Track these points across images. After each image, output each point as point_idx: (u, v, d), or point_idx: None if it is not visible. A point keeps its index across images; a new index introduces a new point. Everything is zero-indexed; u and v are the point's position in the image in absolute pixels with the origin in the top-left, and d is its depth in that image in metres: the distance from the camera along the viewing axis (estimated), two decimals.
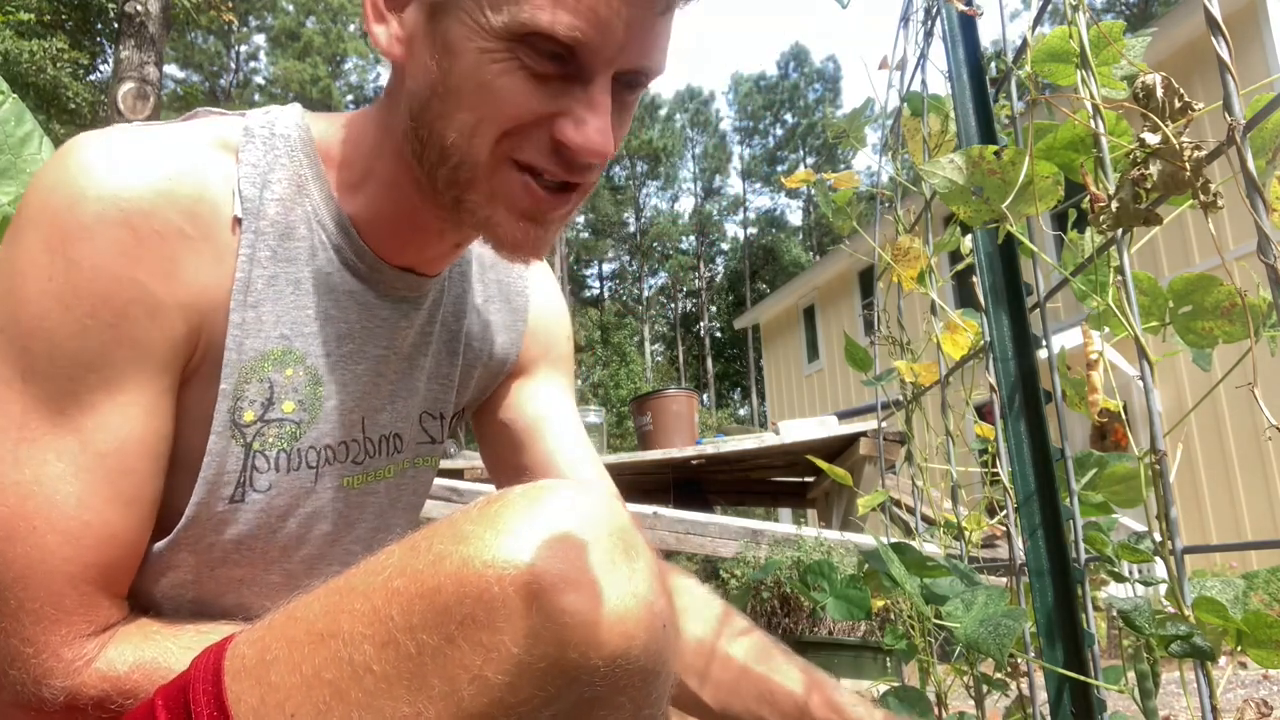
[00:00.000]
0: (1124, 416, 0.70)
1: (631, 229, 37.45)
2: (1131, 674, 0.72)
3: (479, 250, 0.89)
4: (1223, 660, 0.56)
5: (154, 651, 0.63)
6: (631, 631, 0.50)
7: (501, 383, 0.93)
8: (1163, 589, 0.61)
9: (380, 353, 0.76)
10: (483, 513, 0.52)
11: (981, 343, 0.88)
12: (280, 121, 0.72)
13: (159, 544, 0.68)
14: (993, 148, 0.65)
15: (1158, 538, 0.59)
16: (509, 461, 0.91)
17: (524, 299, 0.92)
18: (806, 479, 6.41)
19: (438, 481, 3.82)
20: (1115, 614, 0.58)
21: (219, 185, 0.66)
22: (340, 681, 0.50)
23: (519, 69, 0.62)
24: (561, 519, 0.51)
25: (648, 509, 4.04)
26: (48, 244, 0.60)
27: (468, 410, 0.93)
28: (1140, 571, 0.86)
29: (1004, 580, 0.94)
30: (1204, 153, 0.52)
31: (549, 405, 0.92)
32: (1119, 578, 0.81)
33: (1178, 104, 0.52)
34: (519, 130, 0.64)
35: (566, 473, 0.89)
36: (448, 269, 0.82)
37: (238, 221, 0.67)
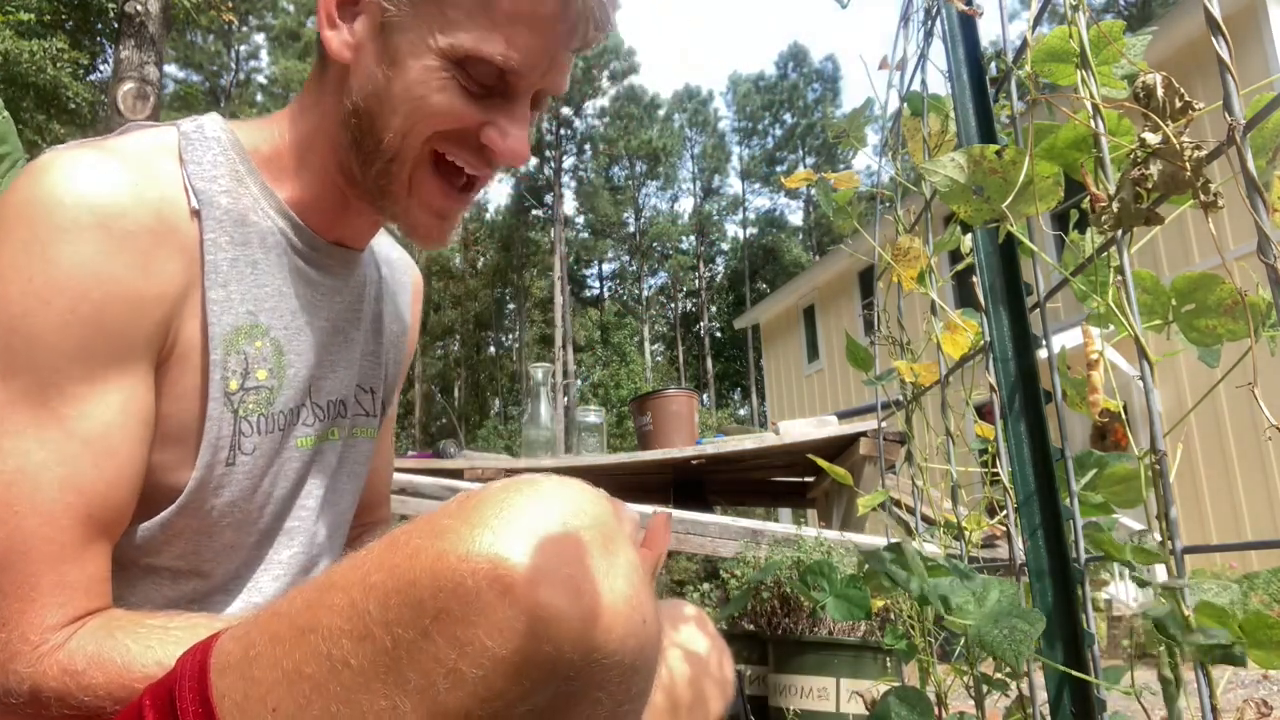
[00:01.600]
0: (1124, 416, 0.70)
1: (631, 229, 37.45)
2: (1130, 675, 0.72)
3: (374, 241, 0.98)
4: None
5: (111, 647, 0.64)
6: (609, 625, 0.50)
7: None
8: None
9: (323, 324, 0.85)
10: (461, 507, 0.52)
11: (981, 343, 0.88)
12: (207, 126, 0.79)
13: (165, 512, 0.72)
14: (993, 147, 0.65)
15: (1158, 538, 0.59)
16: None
17: (408, 311, 1.04)
18: (806, 479, 6.41)
19: (437, 482, 3.82)
20: (1144, 618, 0.58)
21: (174, 185, 0.73)
22: (319, 676, 0.50)
23: (456, 86, 0.74)
24: (539, 513, 0.51)
25: (648, 509, 4.04)
26: (26, 248, 0.65)
27: (391, 398, 1.01)
28: (1145, 571, 0.86)
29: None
30: (1204, 153, 0.52)
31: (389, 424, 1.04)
32: (1128, 565, 0.81)
33: (1178, 104, 0.52)
34: (451, 134, 0.76)
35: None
36: (368, 252, 0.94)
37: (195, 213, 0.74)
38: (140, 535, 0.72)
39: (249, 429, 0.77)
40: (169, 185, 0.73)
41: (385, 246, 1.02)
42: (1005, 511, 0.87)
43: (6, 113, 1.44)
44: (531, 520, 0.51)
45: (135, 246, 0.68)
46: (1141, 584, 0.80)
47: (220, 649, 0.56)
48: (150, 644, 0.64)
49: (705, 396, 32.38)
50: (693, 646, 0.88)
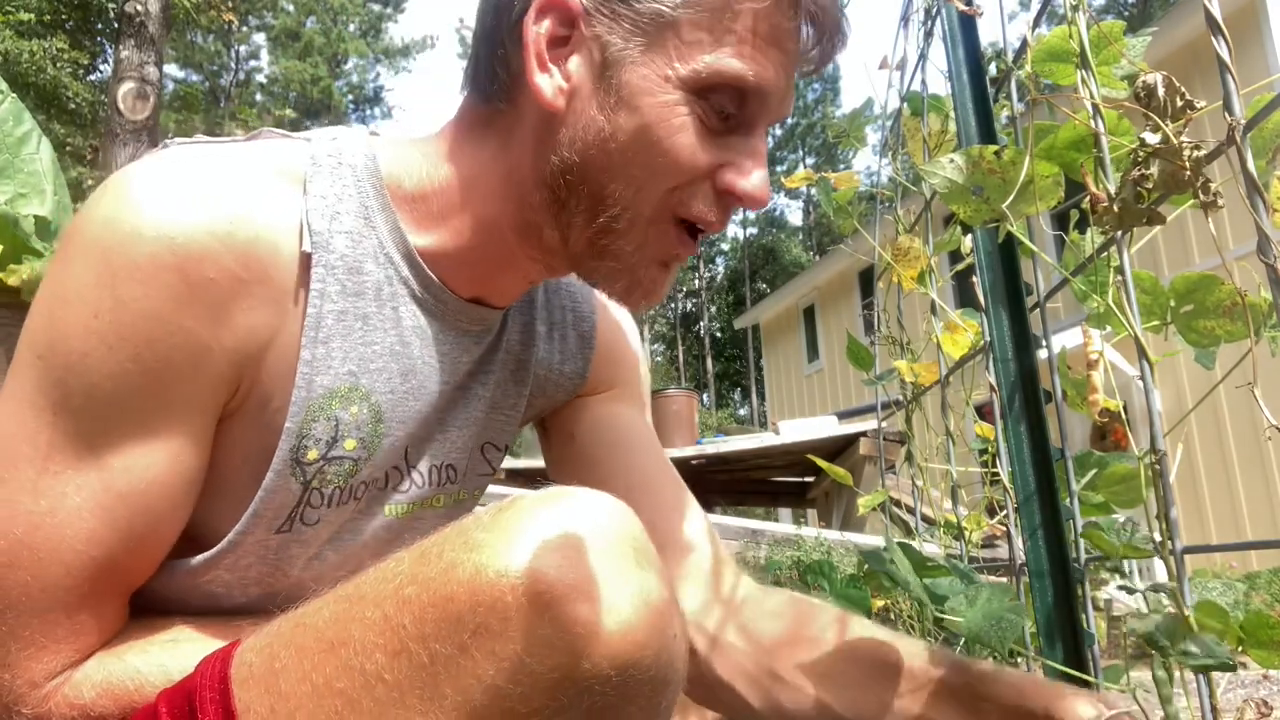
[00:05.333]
0: (1124, 416, 0.70)
1: None
2: (1131, 674, 0.72)
3: (547, 297, 0.87)
4: None
5: (121, 672, 0.62)
6: (644, 641, 0.50)
7: (568, 401, 0.91)
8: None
9: (440, 388, 0.75)
10: (495, 520, 0.52)
11: (981, 343, 0.88)
12: (347, 150, 0.70)
13: (195, 559, 0.67)
14: (993, 147, 0.65)
15: (1158, 538, 0.59)
16: (574, 480, 0.89)
17: (590, 325, 0.90)
18: (806, 479, 6.41)
19: None
20: (1129, 631, 0.58)
21: (282, 222, 0.64)
22: (352, 691, 0.50)
23: (694, 123, 0.64)
24: (573, 527, 0.51)
25: None
26: (98, 278, 0.59)
27: (521, 426, 0.90)
28: (1142, 572, 0.86)
29: (1004, 580, 0.94)
30: (1204, 152, 0.52)
31: (615, 431, 0.89)
32: (1120, 572, 0.81)
33: (1179, 103, 0.52)
34: (690, 183, 0.66)
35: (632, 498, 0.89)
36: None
37: (307, 257, 0.65)
38: (175, 568, 0.68)
39: (319, 500, 0.68)
40: (275, 222, 0.64)
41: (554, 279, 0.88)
42: (1005, 511, 0.87)
43: (14, 95, 1.44)
44: (567, 535, 0.51)
45: (213, 296, 0.60)
46: (1130, 592, 0.80)
47: (240, 660, 0.55)
48: (162, 661, 0.62)
49: (705, 396, 32.37)
50: None
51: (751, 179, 0.66)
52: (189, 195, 0.60)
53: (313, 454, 0.66)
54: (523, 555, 0.49)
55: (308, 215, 0.65)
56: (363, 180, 0.69)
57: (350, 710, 0.50)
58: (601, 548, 0.51)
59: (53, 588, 0.60)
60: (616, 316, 0.94)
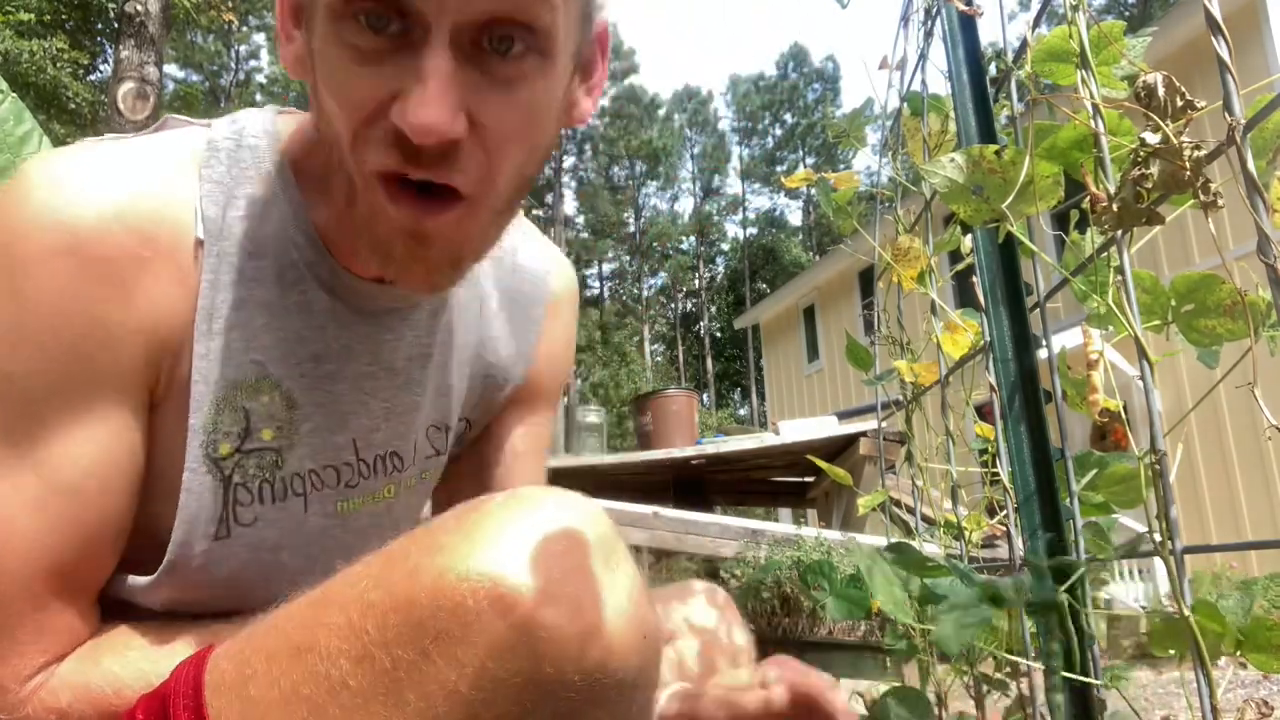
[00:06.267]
0: (1124, 416, 0.70)
1: (631, 229, 37.49)
2: (1130, 674, 0.72)
3: (497, 273, 0.86)
4: (1223, 661, 0.56)
5: (99, 676, 0.61)
6: (610, 645, 0.49)
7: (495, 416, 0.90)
8: (1164, 590, 0.61)
9: (364, 369, 0.72)
10: (459, 523, 0.51)
11: (981, 343, 0.88)
12: (249, 130, 0.67)
13: (143, 582, 0.66)
14: (993, 147, 0.65)
15: (1158, 538, 0.59)
16: (467, 483, 0.87)
17: (537, 328, 0.88)
18: (806, 479, 6.42)
19: None
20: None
21: (181, 205, 0.63)
22: (318, 697, 0.49)
23: (346, 51, 0.55)
24: (539, 529, 0.50)
25: (648, 509, 4.04)
26: None
27: (474, 426, 0.89)
28: (1141, 573, 0.86)
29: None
30: (1204, 152, 0.52)
31: (527, 441, 0.89)
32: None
33: (1179, 103, 0.52)
34: (365, 128, 0.56)
35: None
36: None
37: (200, 244, 0.63)
38: (131, 586, 0.67)
39: (248, 496, 0.67)
40: (175, 205, 0.62)
41: (513, 254, 0.85)
42: (1005, 511, 0.87)
43: (14, 94, 1.44)
44: (532, 537, 0.50)
45: (114, 274, 0.59)
46: (1100, 555, 0.80)
47: (214, 666, 0.55)
48: (140, 666, 0.62)
49: (705, 396, 32.39)
50: (700, 620, 0.89)
51: (408, 107, 0.53)
52: (84, 183, 0.60)
53: (225, 448, 0.65)
54: (486, 558, 0.48)
55: (201, 201, 0.64)
56: (264, 161, 0.66)
57: (315, 716, 0.49)
58: (567, 550, 0.50)
59: (7, 591, 0.59)
60: (562, 330, 0.91)
